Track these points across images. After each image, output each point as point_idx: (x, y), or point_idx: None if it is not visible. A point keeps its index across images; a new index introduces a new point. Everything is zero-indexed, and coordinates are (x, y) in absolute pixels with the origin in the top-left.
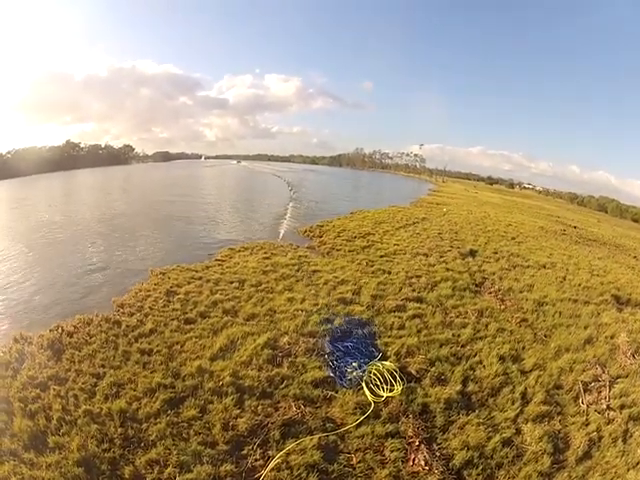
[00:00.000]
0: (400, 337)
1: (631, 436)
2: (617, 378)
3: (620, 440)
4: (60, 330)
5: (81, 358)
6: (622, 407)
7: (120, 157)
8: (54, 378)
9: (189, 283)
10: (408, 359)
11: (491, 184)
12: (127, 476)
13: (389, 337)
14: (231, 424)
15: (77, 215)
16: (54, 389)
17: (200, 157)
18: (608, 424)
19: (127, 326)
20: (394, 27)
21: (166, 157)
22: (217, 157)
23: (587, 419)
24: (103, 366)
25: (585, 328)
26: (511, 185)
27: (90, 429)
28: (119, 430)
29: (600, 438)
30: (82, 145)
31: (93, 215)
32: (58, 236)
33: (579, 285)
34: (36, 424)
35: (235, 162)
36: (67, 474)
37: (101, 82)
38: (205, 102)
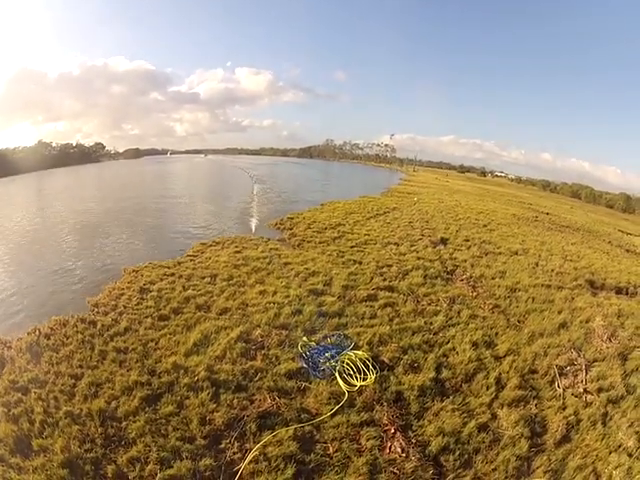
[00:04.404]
0: (372, 326)
1: (611, 419)
2: (594, 362)
3: (600, 423)
4: (37, 333)
5: (59, 360)
6: (600, 390)
7: (91, 155)
8: (34, 381)
9: (162, 280)
10: (381, 348)
11: (463, 172)
12: (110, 475)
13: (361, 327)
14: (208, 418)
15: (47, 216)
16: (35, 392)
17: (166, 153)
18: (586, 407)
19: (102, 325)
20: (367, 18)
21: (137, 154)
22: (187, 152)
23: (564, 403)
24: (81, 366)
25: (559, 313)
26: (483, 173)
27: (72, 430)
28: (99, 430)
29: (578, 421)
30: (54, 145)
31: (62, 216)
32: (30, 238)
33: (552, 271)
34: (20, 428)
35: (202, 156)
36: (53, 476)
37: (73, 80)
38: (176, 97)
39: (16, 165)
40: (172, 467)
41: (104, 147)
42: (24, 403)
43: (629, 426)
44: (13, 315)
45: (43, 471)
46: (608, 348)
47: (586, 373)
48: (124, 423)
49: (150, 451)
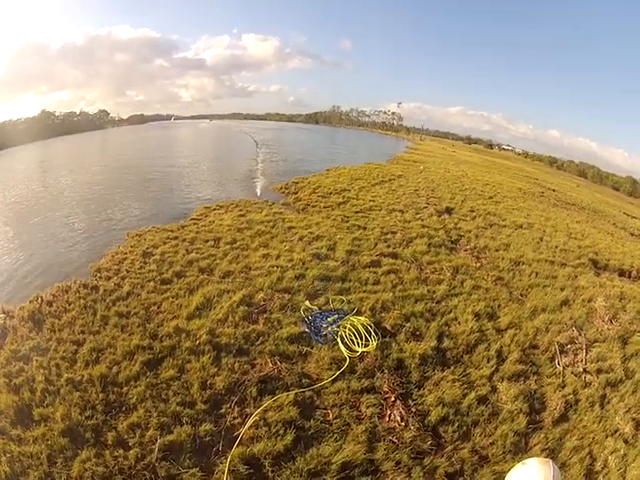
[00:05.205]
0: (375, 292)
1: (608, 402)
2: (594, 342)
3: (597, 405)
4: (40, 300)
5: (61, 326)
6: (599, 371)
7: (95, 122)
8: (36, 349)
9: (165, 243)
10: (383, 314)
11: (469, 144)
12: (110, 442)
13: (364, 292)
14: (209, 383)
15: (51, 183)
16: (36, 360)
17: (170, 118)
18: (585, 387)
19: (105, 290)
20: None
21: (141, 120)
22: (192, 117)
23: (563, 381)
24: (83, 332)
25: (562, 290)
26: (490, 145)
27: (73, 397)
28: (100, 396)
29: (577, 401)
30: (57, 114)
31: (67, 182)
32: (34, 205)
33: (556, 247)
34: (21, 398)
35: (208, 121)
36: (53, 446)
37: (77, 50)
38: (182, 63)
39: (16, 137)
40: (172, 433)
41: (108, 114)
42: (25, 372)
43: (626, 411)
44: (16, 284)
45: (43, 441)
46: (609, 330)
47: (586, 353)
48: (125, 388)
49: (150, 417)
